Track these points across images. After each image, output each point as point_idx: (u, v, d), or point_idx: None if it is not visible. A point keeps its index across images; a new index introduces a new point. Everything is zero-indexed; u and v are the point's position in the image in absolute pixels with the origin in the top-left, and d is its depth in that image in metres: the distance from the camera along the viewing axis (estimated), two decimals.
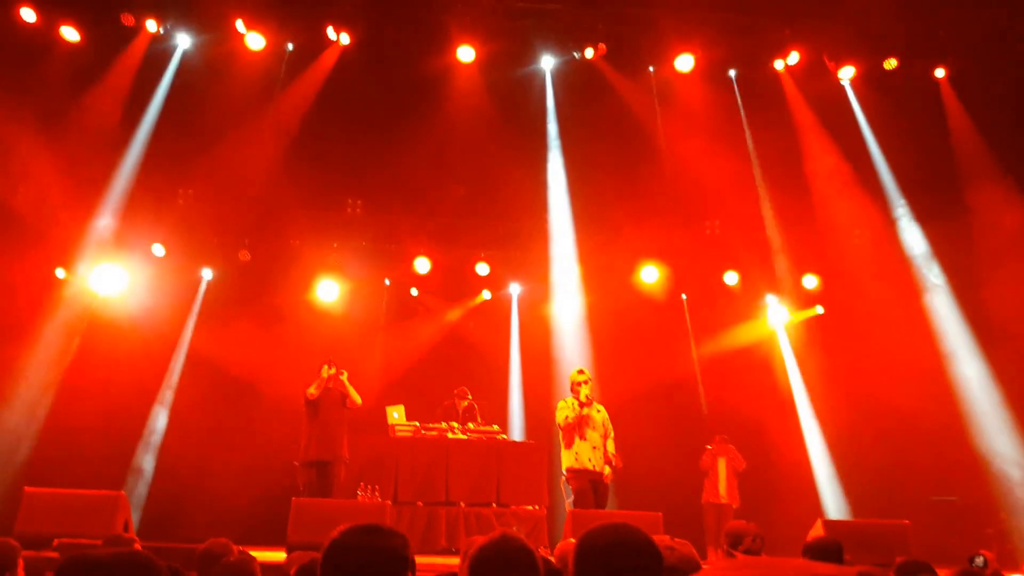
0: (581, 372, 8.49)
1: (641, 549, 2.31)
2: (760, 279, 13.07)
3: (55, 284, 12.02)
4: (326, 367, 9.37)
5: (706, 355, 13.23)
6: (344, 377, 9.37)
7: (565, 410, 8.42)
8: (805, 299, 13.16)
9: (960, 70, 12.13)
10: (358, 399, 9.46)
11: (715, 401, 13.05)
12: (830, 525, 8.71)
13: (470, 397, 11.26)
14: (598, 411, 8.53)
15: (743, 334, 13.30)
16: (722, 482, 11.39)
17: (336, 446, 9.29)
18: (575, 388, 8.42)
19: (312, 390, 9.29)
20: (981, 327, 11.95)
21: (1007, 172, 11.81)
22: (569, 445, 8.39)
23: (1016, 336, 11.36)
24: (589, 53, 11.90)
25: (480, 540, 2.56)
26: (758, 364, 13.14)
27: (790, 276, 12.92)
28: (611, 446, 8.43)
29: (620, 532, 2.33)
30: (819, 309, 13.16)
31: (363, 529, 2.27)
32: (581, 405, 8.31)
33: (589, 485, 8.26)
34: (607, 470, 8.34)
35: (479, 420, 11.09)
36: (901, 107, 12.27)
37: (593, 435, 8.33)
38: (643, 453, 12.25)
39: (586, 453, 8.29)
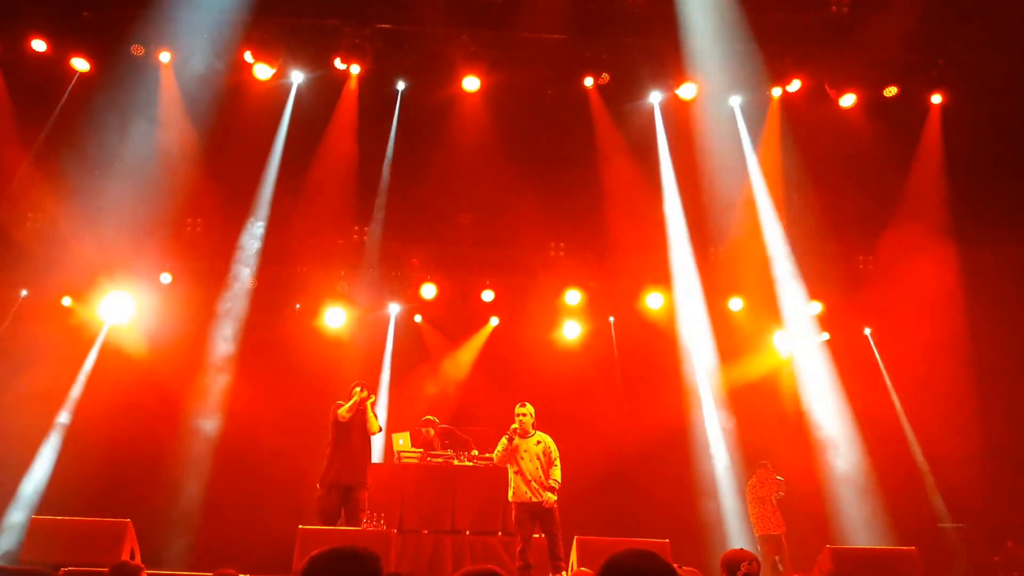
0: (523, 405, 8.80)
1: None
2: (766, 305, 13.08)
3: (62, 312, 12.08)
4: (358, 389, 9.14)
5: (715, 383, 13.19)
6: (369, 403, 9.17)
7: (498, 447, 8.73)
8: (812, 325, 13.16)
9: (956, 98, 12.23)
10: (375, 427, 9.19)
11: (724, 427, 13.02)
12: (837, 553, 8.71)
13: (432, 429, 11.08)
14: (538, 442, 8.68)
15: (753, 365, 13.26)
16: (776, 511, 11.15)
17: (362, 471, 9.10)
18: (514, 419, 8.74)
19: (344, 412, 9.06)
20: (988, 358, 11.96)
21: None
22: (510, 478, 8.69)
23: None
24: (589, 82, 12.03)
25: None
26: (767, 391, 13.13)
27: (795, 302, 12.93)
28: (555, 473, 8.57)
29: (643, 559, 2.38)
30: (825, 335, 13.17)
31: (335, 553, 2.30)
32: (510, 438, 8.59)
33: (526, 515, 8.52)
34: (548, 496, 8.47)
35: (470, 444, 11.03)
36: (897, 133, 12.40)
37: (529, 466, 8.57)
38: (649, 480, 12.25)
39: (521, 486, 8.56)
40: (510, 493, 8.65)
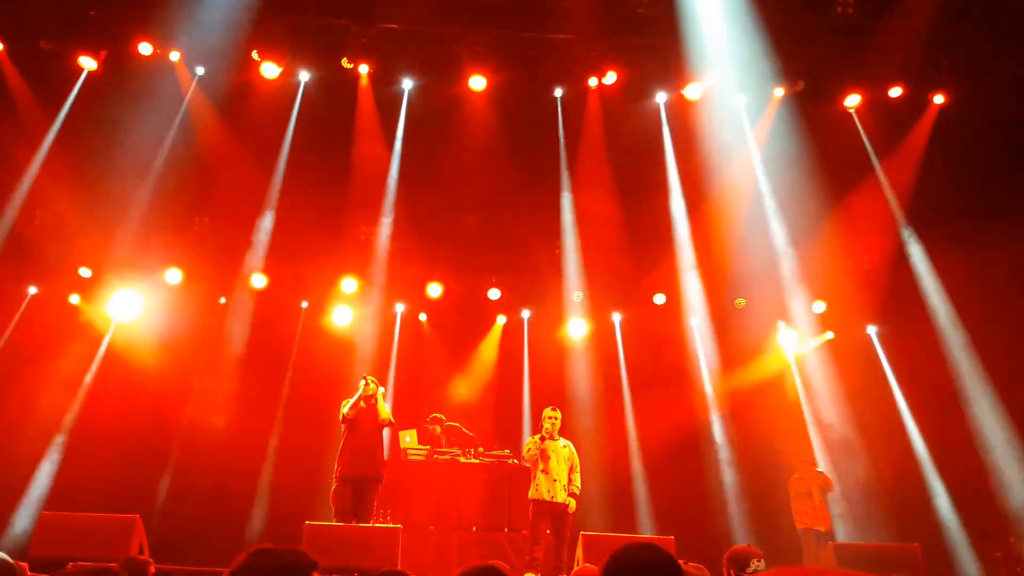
0: (554, 409, 9.07)
1: (668, 571, 2.39)
2: (770, 305, 13.09)
3: (70, 310, 12.14)
4: (363, 384, 9.12)
5: (718, 382, 13.20)
6: (379, 394, 9.12)
7: (528, 444, 9.03)
8: (815, 325, 13.17)
9: (958, 98, 12.22)
10: (384, 414, 9.09)
11: (727, 425, 13.04)
12: (841, 549, 8.75)
13: (439, 426, 11.13)
14: (564, 445, 9.01)
15: (757, 367, 13.26)
16: (820, 507, 11.17)
17: (373, 463, 9.07)
18: (542, 422, 9.01)
19: (345, 411, 9.07)
20: (990, 356, 11.97)
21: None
22: (533, 477, 8.95)
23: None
24: (593, 82, 12.05)
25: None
26: (770, 388, 13.13)
27: (800, 301, 12.95)
28: (577, 479, 8.92)
29: (648, 553, 2.41)
30: (829, 335, 13.18)
31: (262, 551, 2.39)
32: (542, 439, 8.87)
33: (545, 515, 8.81)
34: (572, 503, 8.82)
35: (476, 441, 11.08)
36: (900, 133, 12.42)
37: (556, 467, 8.85)
38: (654, 478, 12.28)
39: (545, 485, 8.81)
40: (532, 490, 8.88)
